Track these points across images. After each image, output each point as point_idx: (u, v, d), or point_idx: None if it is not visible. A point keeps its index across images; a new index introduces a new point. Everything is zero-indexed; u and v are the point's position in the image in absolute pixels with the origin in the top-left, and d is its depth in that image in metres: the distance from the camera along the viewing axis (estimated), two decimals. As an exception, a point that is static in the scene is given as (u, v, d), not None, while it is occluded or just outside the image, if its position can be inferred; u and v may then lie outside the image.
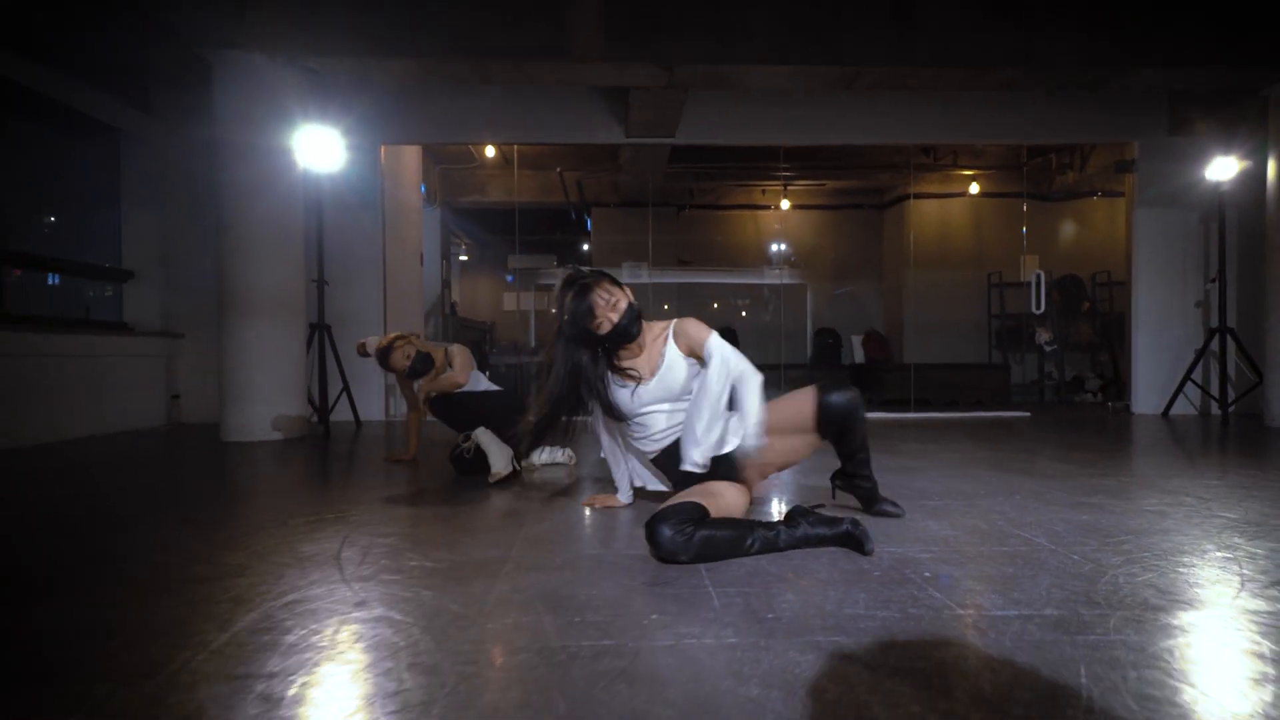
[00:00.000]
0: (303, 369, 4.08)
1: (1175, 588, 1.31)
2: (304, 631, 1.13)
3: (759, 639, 1.08)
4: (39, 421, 3.72)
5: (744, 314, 8.25)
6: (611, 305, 1.76)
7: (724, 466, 1.77)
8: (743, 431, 1.73)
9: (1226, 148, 4.67)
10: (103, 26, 3.70)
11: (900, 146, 6.67)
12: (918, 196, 7.57)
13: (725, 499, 1.65)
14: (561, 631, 1.12)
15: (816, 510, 1.65)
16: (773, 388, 1.80)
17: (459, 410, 2.72)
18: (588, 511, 2.04)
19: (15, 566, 1.56)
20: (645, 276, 7.22)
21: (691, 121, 5.09)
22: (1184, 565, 1.45)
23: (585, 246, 8.31)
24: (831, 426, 1.80)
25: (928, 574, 1.40)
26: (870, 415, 5.22)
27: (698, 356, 1.80)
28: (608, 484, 2.20)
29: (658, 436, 1.86)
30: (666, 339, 1.85)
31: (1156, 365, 5.27)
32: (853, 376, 6.94)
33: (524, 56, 3.87)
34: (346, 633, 1.13)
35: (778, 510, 2.04)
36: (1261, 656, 1.02)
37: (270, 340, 3.88)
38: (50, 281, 4.43)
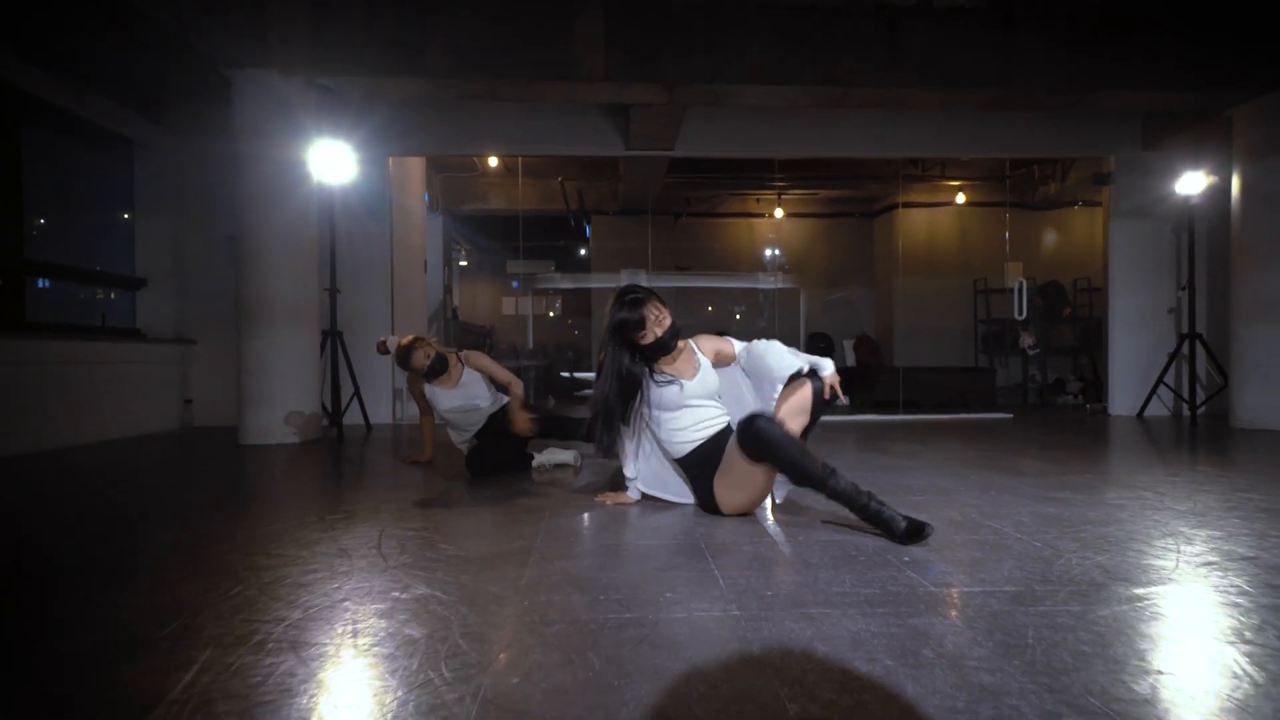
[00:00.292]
0: (317, 374, 4.23)
1: (1120, 568, 1.50)
2: (363, 609, 1.30)
3: (759, 611, 1.27)
4: (57, 426, 3.84)
5: (739, 318, 8.46)
6: (658, 320, 2.09)
7: (712, 458, 2.05)
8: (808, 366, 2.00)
9: (1195, 163, 4.92)
10: (125, 45, 3.85)
11: (890, 158, 6.90)
12: (907, 205, 7.81)
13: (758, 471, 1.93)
14: (589, 607, 1.30)
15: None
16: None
17: (506, 441, 3.01)
18: (605, 502, 2.24)
19: (91, 557, 1.73)
20: (643, 282, 7.39)
21: (690, 135, 5.29)
22: (1133, 550, 1.64)
23: (583, 252, 8.49)
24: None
25: (906, 559, 1.59)
26: (861, 417, 5.43)
27: (723, 363, 2.20)
28: (617, 485, 2.39)
29: (698, 427, 2.11)
30: (694, 350, 2.20)
31: (1132, 368, 5.50)
32: (845, 379, 7.11)
33: (534, 78, 4.06)
34: (401, 610, 1.30)
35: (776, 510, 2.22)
36: (1184, 623, 1.21)
37: (286, 346, 4.03)
38: (61, 289, 4.57)
